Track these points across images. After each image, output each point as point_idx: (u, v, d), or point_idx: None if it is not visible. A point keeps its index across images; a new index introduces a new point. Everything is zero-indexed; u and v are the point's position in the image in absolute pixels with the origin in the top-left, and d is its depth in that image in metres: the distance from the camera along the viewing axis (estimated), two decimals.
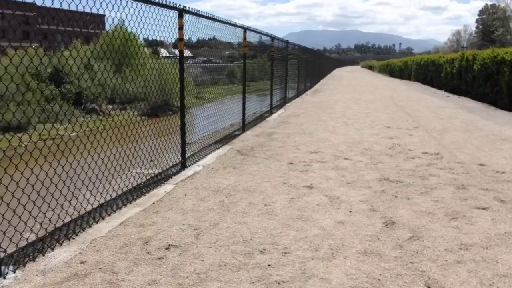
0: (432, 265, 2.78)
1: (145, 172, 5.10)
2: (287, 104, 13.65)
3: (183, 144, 5.42)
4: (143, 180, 4.76)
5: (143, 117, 11.98)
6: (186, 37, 5.32)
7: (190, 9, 5.43)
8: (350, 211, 3.79)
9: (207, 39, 6.93)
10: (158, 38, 4.94)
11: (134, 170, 4.97)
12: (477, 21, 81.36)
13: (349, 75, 42.56)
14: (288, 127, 8.77)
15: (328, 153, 6.18)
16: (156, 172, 5.12)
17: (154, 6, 4.47)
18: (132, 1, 4.06)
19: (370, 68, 62.46)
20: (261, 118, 10.11)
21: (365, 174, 5.02)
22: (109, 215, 3.74)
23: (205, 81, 7.31)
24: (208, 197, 4.25)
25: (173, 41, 5.38)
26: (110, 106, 18.30)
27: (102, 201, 3.95)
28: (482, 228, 3.38)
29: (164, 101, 12.64)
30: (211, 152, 6.36)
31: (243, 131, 8.19)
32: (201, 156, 6.03)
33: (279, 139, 7.38)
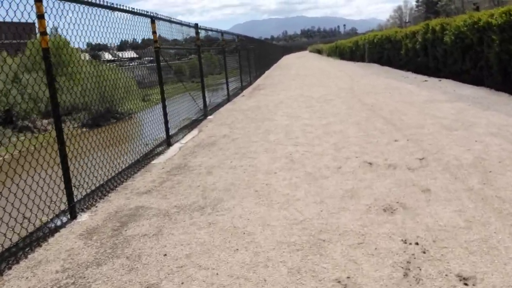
0: None
1: None
2: (209, 117, 9.26)
3: None
4: None
5: (84, 129, 10.49)
6: None
7: None
8: None
9: None
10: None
11: None
12: None
13: (297, 62, 38.37)
14: (180, 186, 4.40)
15: None
16: None
17: None
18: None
19: (319, 52, 59.11)
20: (145, 160, 5.67)
21: None
22: None
23: None
24: None
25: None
26: (46, 121, 14.79)
27: None
28: None
29: (107, 108, 11.61)
30: None
31: (71, 217, 3.72)
32: None
33: (129, 257, 2.99)
